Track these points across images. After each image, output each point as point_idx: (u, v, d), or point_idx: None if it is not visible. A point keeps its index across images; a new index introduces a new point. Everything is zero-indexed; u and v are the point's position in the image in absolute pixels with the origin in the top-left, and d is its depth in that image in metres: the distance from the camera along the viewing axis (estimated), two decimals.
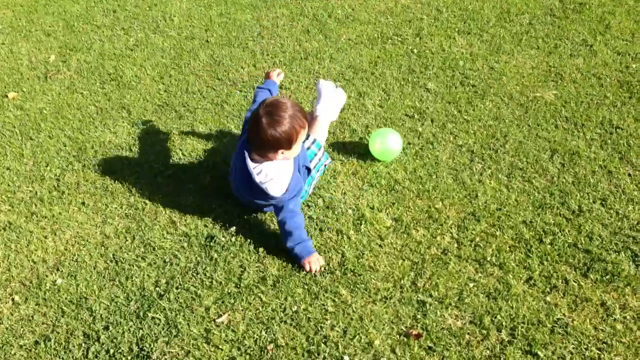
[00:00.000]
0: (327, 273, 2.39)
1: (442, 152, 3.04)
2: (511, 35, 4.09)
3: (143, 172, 2.99)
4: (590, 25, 4.15)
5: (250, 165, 2.36)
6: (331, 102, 2.90)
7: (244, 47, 4.18)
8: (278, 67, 3.86)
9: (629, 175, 2.82)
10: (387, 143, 2.91)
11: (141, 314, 2.24)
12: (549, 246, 2.46)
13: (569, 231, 2.53)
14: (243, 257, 2.47)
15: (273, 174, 2.37)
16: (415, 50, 3.98)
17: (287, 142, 2.32)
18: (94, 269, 2.45)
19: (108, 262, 2.47)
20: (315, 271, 2.36)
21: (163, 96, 3.64)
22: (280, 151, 2.35)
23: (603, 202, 2.68)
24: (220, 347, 2.11)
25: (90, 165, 3.04)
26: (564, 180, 2.81)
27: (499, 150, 3.03)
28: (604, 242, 2.46)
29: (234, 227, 2.61)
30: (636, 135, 3.07)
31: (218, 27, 4.46)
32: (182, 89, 3.72)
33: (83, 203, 2.79)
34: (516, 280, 2.31)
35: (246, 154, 2.37)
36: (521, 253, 2.45)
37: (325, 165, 2.80)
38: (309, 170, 2.65)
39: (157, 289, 2.35)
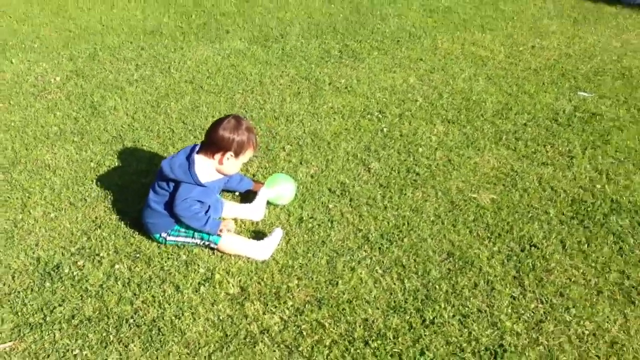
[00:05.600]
0: (133, 325, 2.41)
1: (337, 233, 2.98)
2: (495, 133, 3.94)
3: (52, 193, 3.22)
4: (588, 138, 3.88)
5: (194, 154, 2.72)
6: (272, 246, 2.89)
7: (228, 98, 4.39)
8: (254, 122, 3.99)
9: (512, 297, 2.58)
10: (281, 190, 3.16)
11: None
12: (371, 350, 2.31)
13: (401, 339, 2.36)
14: (69, 294, 2.56)
15: (206, 167, 2.73)
16: (385, 129, 3.96)
17: (237, 148, 2.70)
18: None
19: None
20: (233, 228, 2.88)
21: (124, 129, 3.92)
22: (228, 154, 2.70)
23: (462, 320, 2.47)
24: None
25: (10, 179, 3.33)
26: (437, 287, 2.64)
27: (394, 243, 2.91)
28: None
29: (83, 262, 2.73)
30: (549, 257, 2.81)
31: (221, 76, 4.73)
32: (145, 126, 3.97)
33: None
34: None
35: (195, 148, 2.77)
36: (338, 352, 2.32)
37: (208, 241, 2.83)
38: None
39: None
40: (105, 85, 4.54)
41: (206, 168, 2.75)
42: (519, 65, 5.09)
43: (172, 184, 2.75)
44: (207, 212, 2.79)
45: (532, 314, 2.48)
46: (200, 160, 2.74)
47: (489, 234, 2.97)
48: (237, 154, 2.75)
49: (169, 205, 2.76)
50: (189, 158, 2.72)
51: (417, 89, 4.61)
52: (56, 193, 3.23)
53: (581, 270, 2.72)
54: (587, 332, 2.39)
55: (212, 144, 2.73)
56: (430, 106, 4.31)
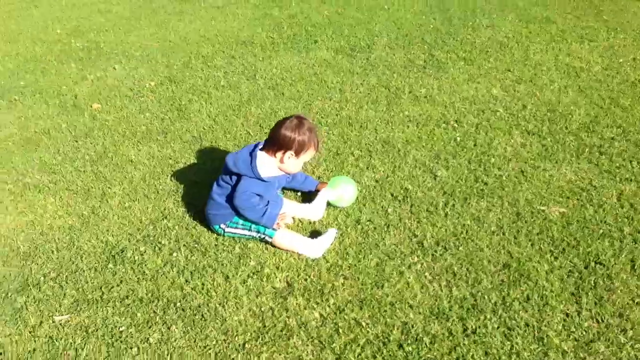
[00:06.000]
0: (179, 309, 2.55)
1: (392, 237, 2.98)
2: (578, 146, 3.77)
3: (130, 185, 3.51)
4: None
5: (258, 150, 2.83)
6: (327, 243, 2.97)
7: (307, 104, 4.52)
8: (319, 128, 4.08)
9: (566, 314, 2.46)
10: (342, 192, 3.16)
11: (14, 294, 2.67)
12: (404, 353, 2.30)
13: (437, 346, 2.32)
14: (127, 276, 2.76)
15: (267, 163, 2.84)
16: (459, 139, 3.90)
17: (298, 147, 2.79)
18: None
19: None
20: (290, 222, 3.02)
21: (205, 130, 4.15)
22: (289, 152, 2.80)
23: (506, 332, 2.39)
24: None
25: (96, 171, 3.63)
26: (487, 298, 2.57)
27: (448, 251, 2.86)
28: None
29: (145, 248, 2.92)
30: (614, 276, 2.65)
31: (303, 84, 4.88)
32: (225, 128, 4.18)
33: (60, 197, 3.37)
34: None
35: (260, 144, 2.88)
36: (370, 352, 2.33)
37: (263, 235, 2.93)
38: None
39: (42, 277, 2.76)
40: (194, 90, 4.81)
41: (268, 164, 2.87)
42: (616, 77, 4.81)
43: (235, 178, 2.88)
44: (266, 205, 2.89)
45: (584, 333, 2.35)
46: (262, 156, 2.86)
47: (552, 248, 2.84)
48: (297, 153, 2.84)
49: (230, 198, 2.88)
50: (252, 153, 2.84)
51: (500, 99, 4.48)
52: (133, 185, 3.47)
53: None
54: None
55: (275, 142, 2.84)
56: (510, 117, 4.18)
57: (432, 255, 2.83)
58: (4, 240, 3.03)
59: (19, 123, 4.29)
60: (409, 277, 2.70)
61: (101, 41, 6.13)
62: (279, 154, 2.85)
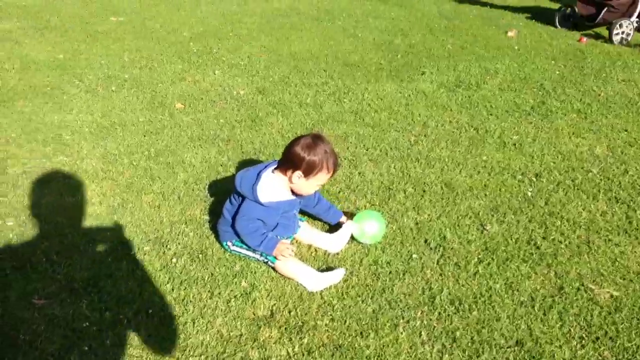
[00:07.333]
0: (149, 317, 2.52)
1: (402, 285, 2.74)
2: None
3: (170, 185, 3.58)
4: None
5: (269, 170, 2.75)
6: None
7: (381, 132, 4.36)
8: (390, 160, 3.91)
9: None
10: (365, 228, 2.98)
11: None
12: None
13: None
14: (119, 274, 2.79)
15: (272, 186, 2.70)
16: (529, 194, 3.53)
17: (307, 168, 2.64)
18: None
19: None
20: (290, 255, 2.69)
21: (268, 144, 4.15)
22: (298, 172, 2.66)
23: None
24: None
25: (146, 166, 3.76)
26: None
27: (459, 313, 2.56)
28: None
29: (150, 249, 2.94)
30: None
31: (387, 112, 4.73)
32: None
33: (102, 186, 3.51)
34: None
35: (274, 164, 2.78)
36: None
37: (266, 259, 2.83)
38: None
39: (44, 259, 2.86)
40: (277, 103, 4.84)
41: (275, 186, 2.73)
42: None
43: (240, 197, 2.79)
44: (274, 229, 2.78)
45: None
46: (271, 177, 2.74)
47: (583, 334, 2.43)
48: (306, 175, 2.68)
49: (233, 218, 2.81)
50: (260, 173, 2.73)
51: (601, 159, 4.00)
52: (173, 186, 3.53)
53: None
54: None
55: (286, 160, 2.72)
56: (604, 180, 3.70)
57: (439, 313, 2.54)
58: (38, 217, 3.17)
59: (103, 112, 4.57)
60: (402, 333, 2.43)
61: (215, 47, 6.41)
62: (288, 173, 2.71)
